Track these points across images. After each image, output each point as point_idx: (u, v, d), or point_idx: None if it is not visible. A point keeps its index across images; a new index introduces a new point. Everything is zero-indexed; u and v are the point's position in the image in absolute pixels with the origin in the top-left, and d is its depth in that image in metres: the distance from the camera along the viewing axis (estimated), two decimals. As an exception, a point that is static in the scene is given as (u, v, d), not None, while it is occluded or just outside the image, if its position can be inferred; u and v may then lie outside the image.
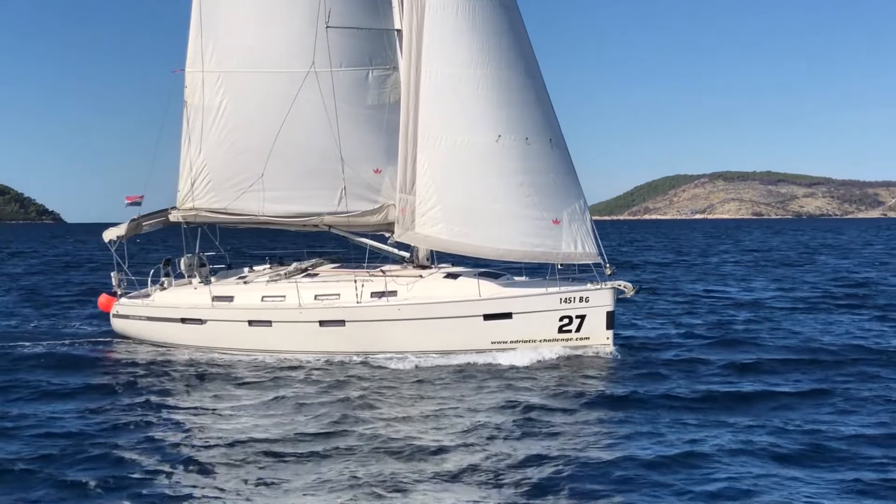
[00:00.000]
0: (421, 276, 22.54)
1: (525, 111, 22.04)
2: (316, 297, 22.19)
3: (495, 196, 22.02)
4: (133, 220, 25.36)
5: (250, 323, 22.54)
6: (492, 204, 22.00)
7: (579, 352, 21.24)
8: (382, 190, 24.06)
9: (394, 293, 21.75)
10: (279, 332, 22.27)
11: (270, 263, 25.28)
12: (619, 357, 21.20)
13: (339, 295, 22.09)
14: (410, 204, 22.63)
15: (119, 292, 25.55)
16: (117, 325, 24.92)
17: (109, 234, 25.49)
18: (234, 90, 24.64)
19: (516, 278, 22.94)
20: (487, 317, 21.29)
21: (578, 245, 21.81)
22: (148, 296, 24.57)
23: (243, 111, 24.63)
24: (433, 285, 22.04)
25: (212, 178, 25.02)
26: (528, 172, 21.99)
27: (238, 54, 24.59)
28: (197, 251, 25.28)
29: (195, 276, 24.80)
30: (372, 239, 24.98)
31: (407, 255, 24.30)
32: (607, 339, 21.47)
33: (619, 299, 22.09)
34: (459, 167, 22.21)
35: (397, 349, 21.45)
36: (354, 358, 21.40)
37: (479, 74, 22.00)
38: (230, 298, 23.07)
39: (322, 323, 21.87)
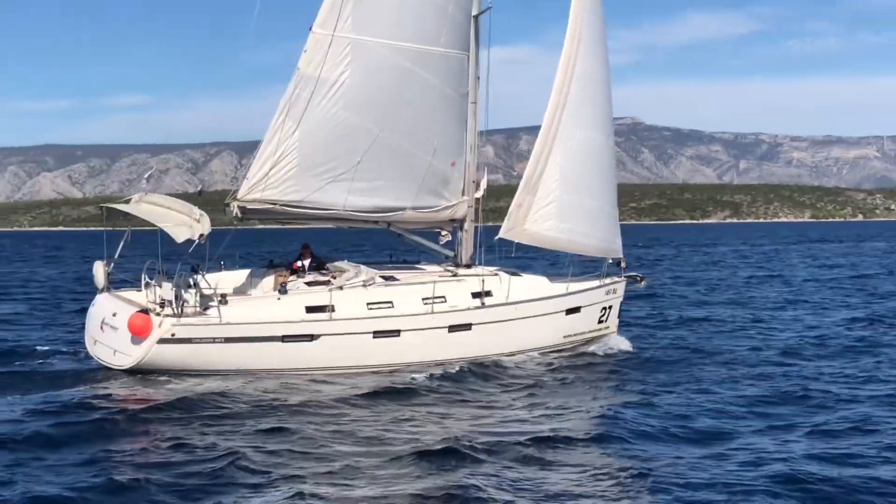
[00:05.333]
0: (480, 274, 22.33)
1: (609, 108, 24.21)
2: (424, 300, 20.80)
3: (595, 192, 23.84)
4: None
5: (375, 334, 20.12)
6: (590, 200, 23.73)
7: (600, 340, 23.77)
8: (451, 184, 23.00)
9: (489, 293, 21.69)
10: (408, 341, 20.39)
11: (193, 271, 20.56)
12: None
13: (444, 297, 21.06)
14: (528, 202, 22.98)
15: (101, 289, 20.39)
16: (164, 353, 18.78)
17: (186, 234, 19.06)
18: (361, 61, 21.09)
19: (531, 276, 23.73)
20: (569, 311, 22.91)
21: (619, 241, 24.99)
22: (202, 313, 19.50)
23: (364, 87, 21.24)
24: (521, 284, 22.34)
25: (298, 164, 20.98)
26: (613, 169, 24.62)
27: (378, 22, 21.14)
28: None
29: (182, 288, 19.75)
30: (422, 236, 23.64)
31: (452, 253, 23.74)
32: (616, 327, 24.65)
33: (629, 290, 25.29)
34: (581, 163, 23.45)
35: (511, 349, 21.83)
36: (479, 361, 20.94)
37: (604, 75, 23.66)
38: (331, 308, 19.83)
39: (451, 328, 20.91)
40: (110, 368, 19.22)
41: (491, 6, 22.57)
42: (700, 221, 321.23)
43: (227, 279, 21.12)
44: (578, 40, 22.93)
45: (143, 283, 20.36)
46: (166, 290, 19.15)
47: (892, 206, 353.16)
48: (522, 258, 24.17)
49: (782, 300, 36.35)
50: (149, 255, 20.17)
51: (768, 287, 43.02)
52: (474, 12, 22.54)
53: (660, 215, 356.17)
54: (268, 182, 20.82)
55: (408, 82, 21.66)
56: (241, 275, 21.76)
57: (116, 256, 20.63)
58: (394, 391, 18.08)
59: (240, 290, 21.16)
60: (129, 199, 20.86)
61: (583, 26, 22.99)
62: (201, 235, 19.05)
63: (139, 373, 18.84)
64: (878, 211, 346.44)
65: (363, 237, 22.68)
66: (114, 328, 19.25)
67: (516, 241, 23.06)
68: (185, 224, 19.27)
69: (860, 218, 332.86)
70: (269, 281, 21.73)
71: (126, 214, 20.59)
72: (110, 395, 17.40)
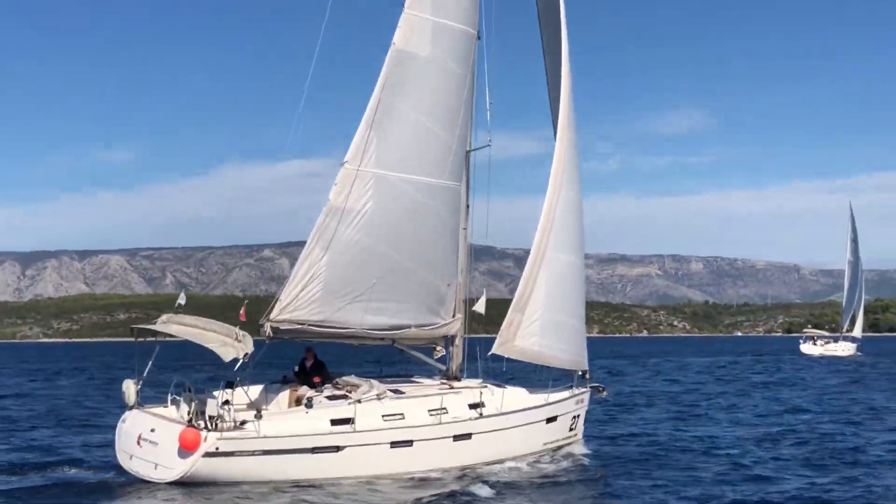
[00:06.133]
0: (473, 387, 24.17)
1: (583, 232, 26.77)
2: (430, 412, 22.41)
3: (572, 311, 26.27)
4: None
5: (392, 444, 21.58)
6: (567, 318, 26.08)
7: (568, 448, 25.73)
8: (446, 303, 24.90)
9: (483, 405, 23.35)
10: (419, 450, 21.94)
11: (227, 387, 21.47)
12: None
13: (446, 409, 22.59)
14: (517, 319, 25.05)
15: (132, 406, 21.32)
16: (209, 466, 19.82)
17: (232, 353, 20.35)
18: (380, 193, 23.16)
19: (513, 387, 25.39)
20: (548, 420, 24.90)
21: (586, 354, 27.19)
22: (239, 427, 20.76)
23: (382, 215, 23.23)
24: (508, 395, 24.13)
25: (325, 285, 22.71)
26: (584, 289, 27.14)
27: (395, 157, 23.26)
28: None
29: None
30: (419, 351, 25.39)
31: (444, 367, 25.55)
32: (581, 434, 26.82)
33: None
34: (562, 285, 25.73)
35: (503, 456, 23.50)
36: (479, 468, 22.57)
37: (580, 202, 26.35)
38: (351, 421, 21.24)
39: (455, 437, 22.52)
40: (148, 482, 20.02)
41: (490, 144, 24.98)
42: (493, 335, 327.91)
43: (245, 395, 22.21)
44: (563, 171, 25.45)
45: (169, 399, 21.48)
46: (211, 406, 20.31)
47: (675, 323, 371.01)
48: (488, 369, 26.04)
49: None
50: (161, 370, 21.29)
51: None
52: (468, 148, 24.93)
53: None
54: (297, 304, 22.50)
55: (419, 211, 23.75)
56: (256, 390, 22.91)
57: (145, 374, 21.63)
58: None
59: (258, 405, 22.28)
60: (156, 321, 22.06)
61: (566, 158, 25.59)
62: (245, 354, 20.39)
63: (180, 485, 19.70)
64: (661, 326, 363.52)
65: (345, 349, 23.79)
66: (153, 443, 20.18)
67: (506, 356, 24.99)
68: (228, 344, 20.60)
69: (645, 333, 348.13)
70: (284, 396, 23.03)
71: (155, 333, 21.77)
72: None
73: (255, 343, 21.58)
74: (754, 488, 20.86)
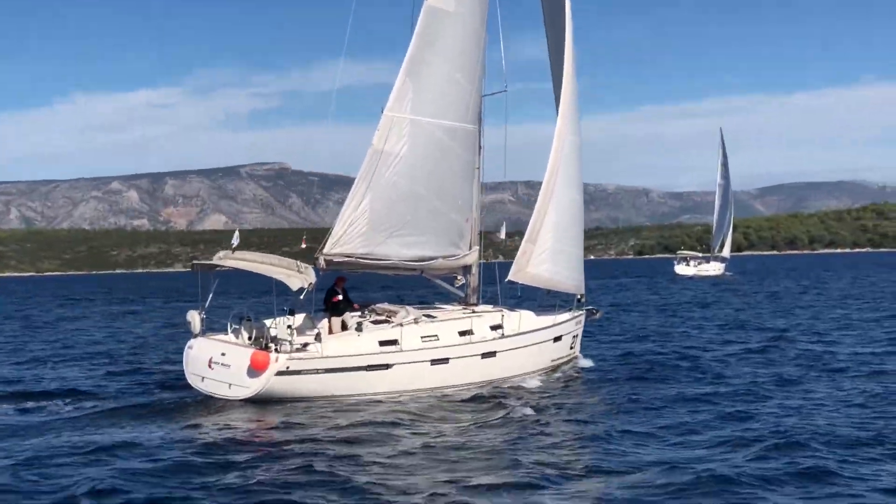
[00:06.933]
0: (481, 311, 26.85)
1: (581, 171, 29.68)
2: (460, 333, 25.05)
3: (575, 241, 29.40)
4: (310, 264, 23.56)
5: (432, 362, 24.20)
6: (571, 248, 29.16)
7: (570, 364, 28.88)
8: (465, 237, 27.42)
9: (502, 326, 26.06)
10: (454, 367, 24.56)
11: (288, 314, 24.26)
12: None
13: (473, 331, 25.26)
14: (529, 250, 27.85)
15: (197, 334, 23.45)
16: (280, 383, 22.25)
17: (299, 283, 22.64)
18: (415, 137, 25.53)
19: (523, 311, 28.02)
20: (555, 339, 27.79)
21: (583, 280, 30.31)
22: (302, 348, 23.21)
23: (416, 158, 25.60)
24: (522, 318, 26.76)
25: (369, 221, 25.23)
26: (583, 223, 30.11)
27: (426, 105, 25.60)
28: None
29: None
30: (443, 280, 27.97)
31: (462, 295, 28.09)
32: (578, 350, 29.92)
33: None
34: (568, 218, 28.71)
35: (520, 372, 26.15)
36: (507, 382, 25.22)
37: (580, 143, 29.07)
38: (397, 342, 23.86)
39: (483, 355, 25.19)
40: (223, 399, 22.31)
41: (507, 90, 27.34)
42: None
43: (287, 322, 24.26)
44: (569, 118, 28.12)
45: (230, 327, 23.68)
46: (282, 330, 22.77)
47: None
48: (491, 298, 28.66)
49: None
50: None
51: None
52: (483, 93, 27.30)
53: (311, 259, 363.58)
54: (346, 238, 25.03)
55: (444, 152, 26.22)
56: (300, 318, 25.01)
57: (206, 305, 23.68)
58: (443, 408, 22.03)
59: (303, 331, 24.50)
60: (214, 258, 24.14)
61: (570, 101, 28.24)
62: (310, 284, 22.75)
63: (254, 402, 22.05)
64: (516, 252, 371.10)
65: (365, 279, 25.99)
66: (225, 365, 22.45)
67: (520, 282, 27.86)
68: (293, 275, 22.82)
69: (501, 258, 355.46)
70: (325, 323, 25.19)
71: (213, 267, 23.87)
72: (232, 423, 20.43)
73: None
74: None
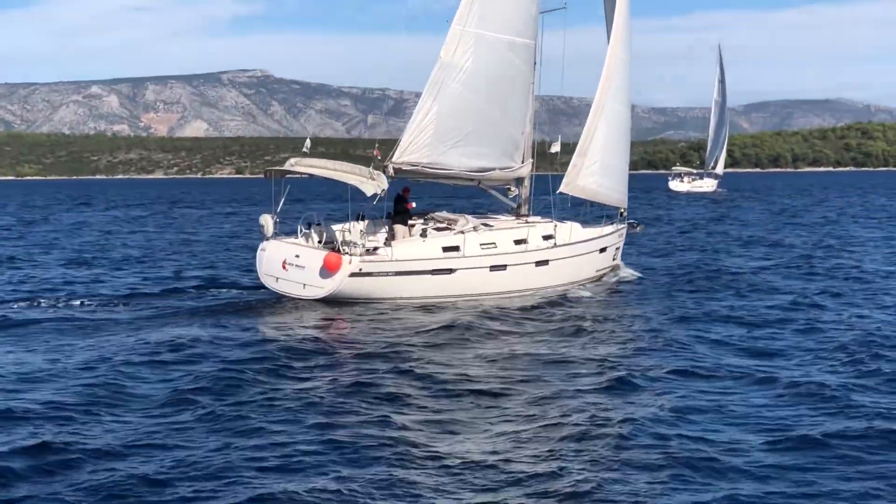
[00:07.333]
0: (533, 222, 27.66)
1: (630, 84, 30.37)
2: (515, 241, 25.87)
3: (621, 155, 30.16)
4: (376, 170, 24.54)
5: (491, 268, 25.10)
6: (618, 162, 29.95)
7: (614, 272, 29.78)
8: (519, 149, 28.09)
9: (554, 236, 26.84)
10: (512, 274, 25.49)
11: (357, 219, 25.33)
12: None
13: (527, 240, 26.03)
14: (580, 163, 28.53)
15: (269, 237, 24.26)
16: (352, 284, 23.24)
17: (373, 189, 23.53)
18: (479, 51, 26.22)
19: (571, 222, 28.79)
20: (601, 250, 28.77)
21: (627, 193, 31.19)
22: (373, 251, 24.07)
23: (479, 71, 26.28)
24: (572, 229, 27.52)
25: (434, 131, 25.96)
26: (629, 137, 30.80)
27: (491, 19, 26.27)
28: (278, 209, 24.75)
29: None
30: (497, 191, 28.96)
31: (515, 206, 28.91)
32: (619, 260, 30.88)
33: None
34: (616, 132, 29.44)
35: (572, 280, 27.22)
36: (558, 290, 26.14)
37: (629, 58, 29.67)
38: (458, 248, 24.68)
39: (537, 263, 26.09)
40: (298, 299, 23.34)
41: (566, 6, 27.81)
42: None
43: (358, 227, 25.11)
44: (621, 37, 28.69)
45: (299, 230, 24.61)
46: (355, 234, 23.78)
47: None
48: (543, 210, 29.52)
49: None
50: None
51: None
52: (541, 10, 27.82)
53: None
54: (413, 148, 25.80)
55: (506, 67, 26.88)
56: (362, 224, 25.75)
57: (278, 209, 24.41)
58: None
59: (370, 236, 25.25)
60: (286, 164, 24.85)
61: (623, 19, 28.79)
62: (383, 190, 23.78)
63: (327, 301, 23.11)
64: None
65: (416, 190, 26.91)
66: (300, 267, 23.40)
67: (571, 194, 28.59)
68: (366, 182, 23.65)
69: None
70: (384, 229, 25.96)
71: (285, 173, 24.62)
72: (307, 321, 21.55)
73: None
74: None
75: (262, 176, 25.82)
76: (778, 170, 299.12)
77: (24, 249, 40.77)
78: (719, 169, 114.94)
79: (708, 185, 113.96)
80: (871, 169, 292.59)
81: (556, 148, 29.09)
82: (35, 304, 23.82)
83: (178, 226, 59.37)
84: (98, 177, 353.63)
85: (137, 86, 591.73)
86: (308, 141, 25.83)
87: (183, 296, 25.29)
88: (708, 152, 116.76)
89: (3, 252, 39.11)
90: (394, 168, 25.53)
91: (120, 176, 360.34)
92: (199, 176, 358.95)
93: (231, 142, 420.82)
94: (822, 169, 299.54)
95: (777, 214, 65.95)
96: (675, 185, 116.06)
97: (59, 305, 23.61)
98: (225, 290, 26.14)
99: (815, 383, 15.32)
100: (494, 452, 11.78)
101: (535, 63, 27.95)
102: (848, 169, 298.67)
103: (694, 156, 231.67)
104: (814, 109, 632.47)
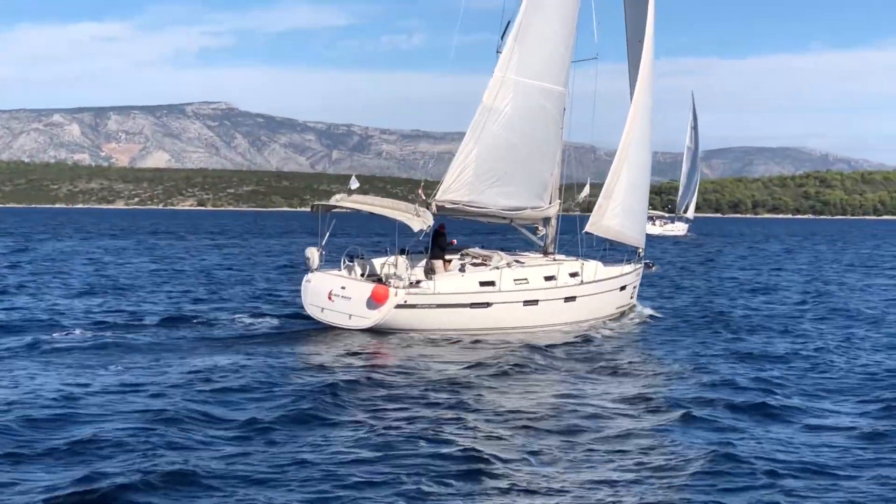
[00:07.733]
0: (560, 260, 29.05)
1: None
2: (545, 278, 27.07)
3: (642, 198, 31.60)
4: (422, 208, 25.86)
5: (525, 303, 26.23)
6: (638, 204, 31.37)
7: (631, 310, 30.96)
8: (548, 190, 29.41)
9: (578, 273, 28.04)
10: (542, 309, 26.64)
11: (397, 254, 26.25)
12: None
13: (556, 277, 27.23)
14: (605, 204, 29.90)
15: (314, 269, 25.44)
16: (396, 315, 24.36)
17: (419, 225, 24.87)
18: (518, 96, 27.62)
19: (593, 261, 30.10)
20: (621, 288, 30.02)
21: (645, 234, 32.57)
22: (417, 284, 25.12)
23: (517, 115, 27.67)
24: (596, 268, 28.87)
25: (474, 171, 27.22)
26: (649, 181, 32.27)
27: (530, 66, 27.72)
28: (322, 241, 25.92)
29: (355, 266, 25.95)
30: (526, 230, 30.24)
31: (541, 244, 30.14)
32: (636, 299, 32.02)
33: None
34: (638, 176, 30.88)
35: (596, 316, 28.33)
36: (584, 325, 27.24)
37: (652, 103, 31.04)
38: (494, 283, 25.81)
39: (566, 299, 27.29)
40: (343, 329, 24.44)
41: (597, 57, 29.20)
42: (300, 209, 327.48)
43: (403, 261, 26.10)
44: (645, 84, 30.09)
45: (343, 263, 25.84)
46: (401, 267, 25.15)
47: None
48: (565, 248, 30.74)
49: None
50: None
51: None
52: (573, 60, 29.25)
53: (257, 202, 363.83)
54: (454, 186, 27.07)
55: (539, 111, 28.29)
56: (402, 259, 26.75)
57: (323, 243, 25.51)
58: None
59: (409, 269, 26.23)
60: (332, 199, 26.06)
61: (647, 70, 30.17)
62: (428, 226, 25.19)
63: (371, 331, 24.21)
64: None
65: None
66: (346, 298, 24.56)
67: (596, 234, 29.95)
68: (412, 218, 24.98)
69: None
70: (422, 264, 26.97)
71: (331, 208, 25.70)
72: (355, 350, 22.44)
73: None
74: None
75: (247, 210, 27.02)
76: (738, 215, 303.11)
77: (34, 276, 41.36)
78: (690, 213, 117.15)
79: (679, 228, 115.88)
80: (829, 217, 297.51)
81: (585, 193, 30.38)
82: (102, 327, 25.13)
83: (173, 254, 59.74)
84: (58, 205, 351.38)
85: (100, 115, 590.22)
86: (354, 179, 26.80)
87: (235, 324, 26.21)
88: (679, 197, 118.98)
89: (24, 280, 39.57)
90: (437, 206, 26.66)
91: (80, 205, 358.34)
92: (160, 207, 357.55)
93: (194, 173, 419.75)
94: (780, 216, 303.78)
95: (767, 258, 67.75)
96: (647, 228, 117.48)
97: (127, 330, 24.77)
98: (268, 319, 26.98)
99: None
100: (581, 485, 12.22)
101: (564, 109, 29.25)
102: (807, 216, 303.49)
103: (656, 200, 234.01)
104: (774, 157, 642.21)
